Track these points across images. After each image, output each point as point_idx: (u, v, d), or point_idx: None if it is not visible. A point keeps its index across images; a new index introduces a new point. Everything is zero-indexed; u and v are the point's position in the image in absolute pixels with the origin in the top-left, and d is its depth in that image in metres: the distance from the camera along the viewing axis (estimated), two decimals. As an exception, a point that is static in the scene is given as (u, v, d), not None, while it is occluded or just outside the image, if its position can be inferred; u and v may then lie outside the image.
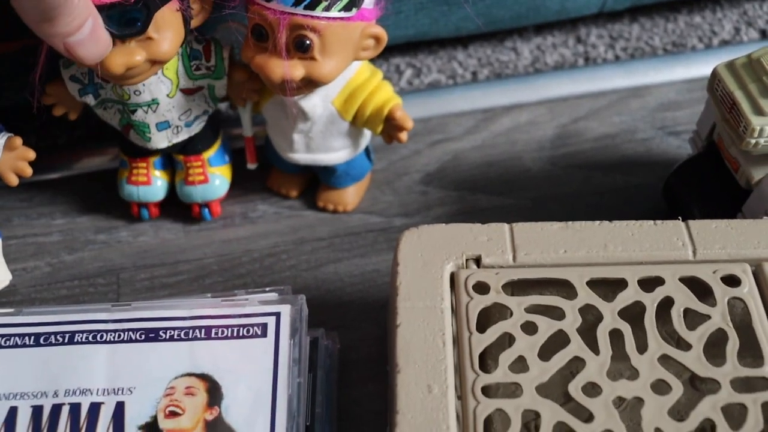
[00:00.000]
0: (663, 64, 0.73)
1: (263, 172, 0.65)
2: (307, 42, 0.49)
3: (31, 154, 0.55)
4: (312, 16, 0.48)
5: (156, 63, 0.51)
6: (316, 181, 0.64)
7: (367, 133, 0.60)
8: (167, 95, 0.55)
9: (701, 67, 0.72)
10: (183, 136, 0.59)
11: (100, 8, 0.46)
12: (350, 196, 0.63)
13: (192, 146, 0.60)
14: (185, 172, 0.61)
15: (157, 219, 0.63)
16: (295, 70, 0.50)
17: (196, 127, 0.59)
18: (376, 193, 0.64)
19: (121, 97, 0.55)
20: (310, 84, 0.52)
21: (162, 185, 0.62)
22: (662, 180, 0.60)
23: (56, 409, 0.47)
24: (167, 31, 0.50)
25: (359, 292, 0.58)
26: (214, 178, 0.61)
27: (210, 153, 0.61)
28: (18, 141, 0.54)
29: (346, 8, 0.49)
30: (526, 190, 0.64)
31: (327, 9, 0.48)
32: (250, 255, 0.61)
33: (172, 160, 0.62)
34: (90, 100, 0.57)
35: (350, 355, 0.54)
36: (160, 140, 0.58)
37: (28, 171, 0.55)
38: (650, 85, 0.72)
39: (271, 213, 0.64)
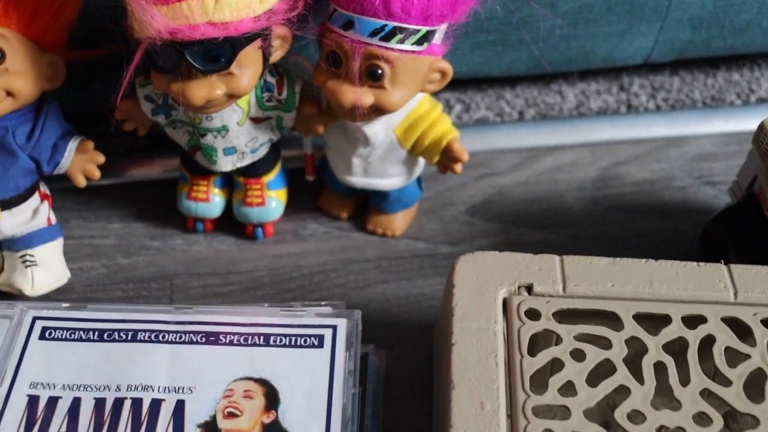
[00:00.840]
0: (702, 116, 0.76)
1: (315, 192, 0.67)
2: (380, 71, 0.52)
3: (101, 158, 0.58)
4: (386, 48, 0.51)
5: (234, 96, 0.54)
6: (365, 205, 0.67)
7: (422, 163, 0.63)
8: (237, 123, 0.58)
9: (738, 122, 0.75)
10: (247, 161, 0.61)
11: (188, 44, 0.49)
12: (399, 221, 0.65)
13: (253, 170, 0.63)
14: (244, 193, 0.63)
15: (211, 232, 0.66)
16: (365, 97, 0.53)
17: (260, 153, 0.62)
18: (423, 221, 0.67)
19: (192, 120, 0.57)
20: (377, 111, 0.54)
21: (219, 202, 0.65)
22: (698, 226, 0.63)
23: (118, 403, 0.49)
24: (248, 67, 0.53)
25: (404, 313, 0.60)
26: (270, 201, 0.64)
27: (269, 177, 0.63)
28: (90, 144, 0.58)
29: (418, 42, 0.52)
30: (567, 227, 0.67)
31: (401, 42, 0.51)
32: (299, 271, 0.63)
33: (231, 179, 0.64)
34: (161, 119, 0.59)
35: (394, 373, 0.56)
36: (226, 164, 0.60)
37: (97, 174, 0.58)
38: (689, 135, 0.75)
39: (321, 232, 0.66)
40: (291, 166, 0.67)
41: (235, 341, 0.51)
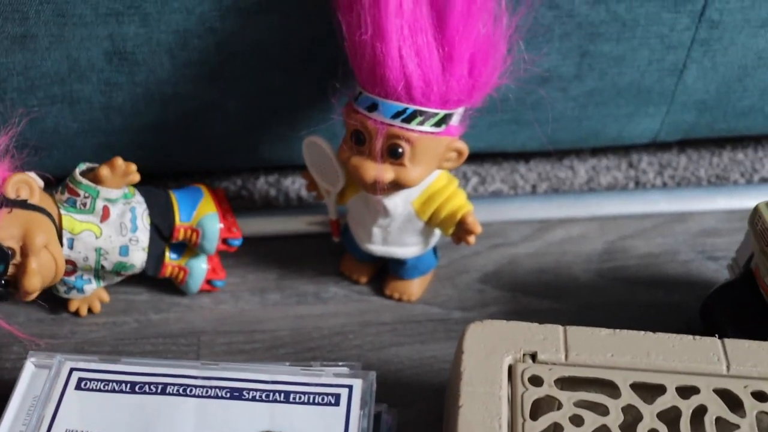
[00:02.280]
0: (706, 193, 0.80)
1: (337, 257, 0.71)
2: (400, 150, 0.56)
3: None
4: (407, 129, 0.56)
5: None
6: (384, 271, 0.70)
7: (437, 233, 0.67)
8: None
9: (742, 200, 0.78)
10: None
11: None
12: (415, 287, 0.69)
13: None
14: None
15: (237, 289, 0.70)
16: (386, 173, 0.57)
17: None
18: (437, 287, 0.71)
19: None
20: (396, 186, 0.58)
21: None
22: (699, 299, 0.66)
23: (147, 455, 0.52)
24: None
25: (417, 375, 0.64)
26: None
27: None
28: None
29: (437, 124, 0.56)
30: (574, 297, 0.70)
31: (421, 123, 0.56)
32: (320, 331, 0.67)
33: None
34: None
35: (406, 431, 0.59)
36: None
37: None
38: (693, 212, 0.78)
39: (341, 295, 0.70)
40: (318, 230, 0.72)
41: (257, 397, 0.55)
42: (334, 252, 0.72)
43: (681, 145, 0.85)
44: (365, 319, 0.68)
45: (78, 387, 0.56)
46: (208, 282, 0.69)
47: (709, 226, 0.77)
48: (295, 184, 0.80)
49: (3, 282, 0.59)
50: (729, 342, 0.53)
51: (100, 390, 0.56)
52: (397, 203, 0.62)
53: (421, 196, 0.62)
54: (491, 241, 0.75)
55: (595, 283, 0.71)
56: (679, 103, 0.74)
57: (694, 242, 0.75)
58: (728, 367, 0.51)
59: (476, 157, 0.82)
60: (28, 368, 0.57)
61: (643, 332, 0.53)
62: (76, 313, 0.67)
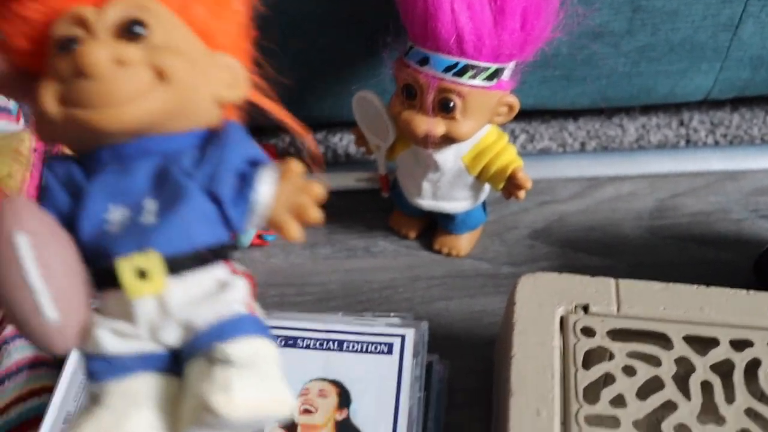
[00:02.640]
0: (759, 152, 0.79)
1: (386, 212, 0.72)
2: (451, 104, 0.56)
3: (318, 190, 0.38)
4: (458, 83, 0.56)
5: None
6: (433, 226, 0.71)
7: (487, 188, 0.67)
8: None
9: (795, 159, 0.78)
10: None
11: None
12: (464, 242, 0.69)
13: None
14: None
15: (287, 243, 0.71)
16: (437, 127, 0.57)
17: None
18: (486, 243, 0.71)
19: None
20: (447, 140, 0.59)
21: None
22: (752, 258, 0.66)
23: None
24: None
25: (466, 328, 0.64)
26: None
27: None
28: (296, 167, 0.39)
29: (489, 78, 0.56)
30: (624, 254, 0.70)
31: (472, 77, 0.56)
32: (369, 285, 0.68)
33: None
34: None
35: (455, 384, 0.60)
36: None
37: (314, 214, 0.38)
38: (746, 170, 0.77)
39: (390, 250, 0.71)
40: (366, 186, 0.72)
41: (311, 345, 0.56)
42: (383, 207, 0.72)
43: (734, 103, 0.83)
44: (414, 274, 0.69)
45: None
46: (259, 236, 0.70)
47: (762, 185, 0.76)
48: (342, 141, 0.81)
49: None
50: (783, 297, 0.52)
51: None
52: (447, 158, 0.62)
53: (472, 150, 0.62)
54: (540, 198, 0.75)
55: (646, 240, 0.71)
56: (733, 60, 0.73)
57: (746, 201, 0.74)
58: (782, 322, 0.51)
59: (524, 115, 0.82)
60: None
61: (696, 286, 0.53)
62: None
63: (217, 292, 0.37)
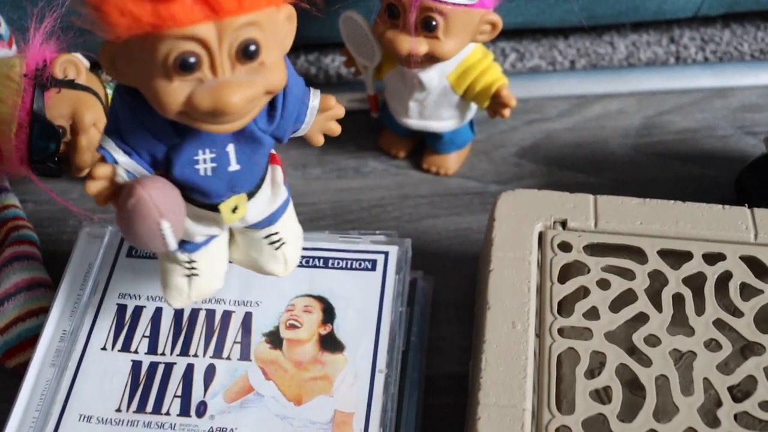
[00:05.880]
0: (749, 69, 0.79)
1: (376, 132, 0.73)
2: (434, 23, 0.57)
3: (341, 111, 0.50)
4: (440, 1, 0.56)
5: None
6: (422, 145, 0.72)
7: (474, 107, 0.67)
8: None
9: (785, 75, 0.78)
10: None
11: None
12: (452, 161, 0.70)
13: None
14: None
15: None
16: (420, 46, 0.58)
17: None
18: (474, 161, 0.72)
19: None
20: (431, 59, 0.59)
21: None
22: (736, 174, 0.66)
23: (194, 313, 0.56)
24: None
25: (452, 245, 0.66)
26: None
27: None
28: (331, 101, 0.49)
29: (471, -4, 0.56)
30: (609, 171, 0.71)
31: (454, -5, 0.56)
32: (359, 204, 0.69)
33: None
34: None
35: (440, 298, 0.62)
36: None
37: (337, 130, 0.50)
38: (734, 87, 0.77)
39: (380, 169, 0.72)
40: (357, 107, 0.73)
41: (298, 263, 0.57)
42: (373, 128, 0.73)
43: (725, 19, 0.83)
44: (403, 192, 0.70)
45: (129, 255, 0.59)
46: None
47: (750, 102, 0.76)
48: (334, 62, 0.81)
49: (56, 159, 0.61)
50: (759, 211, 0.54)
51: (149, 257, 0.59)
52: (432, 77, 0.62)
53: (456, 69, 0.63)
54: (528, 116, 0.75)
55: (632, 157, 0.72)
56: (723, -27, 0.72)
57: (733, 117, 0.75)
58: (756, 236, 0.52)
59: (514, 33, 0.82)
60: (83, 237, 0.60)
61: (672, 201, 0.54)
62: None
63: (272, 193, 0.49)
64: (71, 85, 0.61)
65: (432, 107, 0.65)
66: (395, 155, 0.72)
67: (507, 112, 0.64)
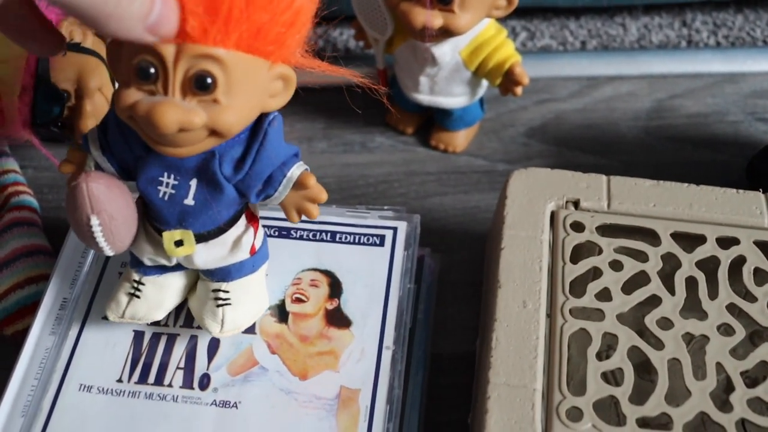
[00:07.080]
0: (761, 54, 0.78)
1: (383, 108, 0.71)
2: (450, -5, 0.56)
3: (323, 196, 0.47)
4: (458, -27, 0.55)
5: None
6: (430, 122, 0.71)
7: (485, 84, 0.67)
8: None
9: (798, 61, 0.77)
10: None
11: None
12: (461, 138, 0.70)
13: None
14: None
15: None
16: (435, 19, 0.57)
17: None
18: (483, 139, 0.71)
19: None
20: (445, 33, 0.58)
21: None
22: (746, 160, 0.66)
23: (200, 285, 0.55)
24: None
25: (460, 223, 0.65)
26: None
27: None
28: (311, 180, 0.46)
29: (488, -31, 0.55)
30: (619, 153, 0.70)
31: (472, -32, 0.55)
32: (365, 179, 0.68)
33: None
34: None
35: (447, 276, 0.61)
36: None
37: (315, 213, 0.47)
38: (746, 72, 0.77)
39: (387, 145, 0.71)
40: (364, 82, 0.72)
41: (304, 236, 0.56)
42: (380, 103, 0.72)
43: (738, 4, 0.82)
44: (410, 169, 0.69)
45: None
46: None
47: (762, 88, 0.76)
48: (343, 36, 0.80)
49: (59, 124, 0.60)
50: (773, 196, 0.53)
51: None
52: (445, 51, 0.61)
53: (470, 45, 0.62)
54: (538, 96, 0.75)
55: (642, 140, 0.71)
56: (739, -44, 0.71)
57: (744, 103, 0.74)
58: (770, 221, 0.52)
59: (526, 12, 0.81)
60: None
61: (686, 184, 0.53)
62: None
63: (231, 249, 0.48)
64: (77, 48, 0.59)
65: (443, 83, 0.64)
66: (403, 131, 0.71)
67: (519, 89, 0.63)
